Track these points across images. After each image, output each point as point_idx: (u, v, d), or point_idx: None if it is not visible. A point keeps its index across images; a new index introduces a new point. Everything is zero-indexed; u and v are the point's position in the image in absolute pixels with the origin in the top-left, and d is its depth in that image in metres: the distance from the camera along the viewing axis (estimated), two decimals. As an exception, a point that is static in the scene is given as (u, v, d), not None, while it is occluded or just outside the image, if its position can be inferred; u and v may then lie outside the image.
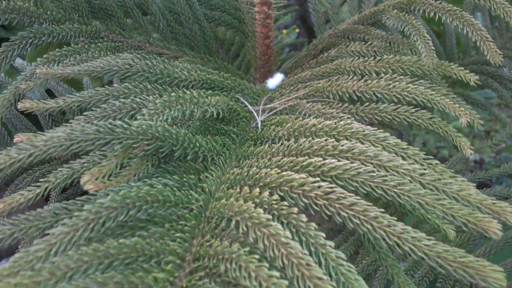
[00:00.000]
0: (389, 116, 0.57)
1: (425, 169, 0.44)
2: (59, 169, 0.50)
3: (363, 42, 0.72)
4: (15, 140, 0.49)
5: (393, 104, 0.57)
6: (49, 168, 0.77)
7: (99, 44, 0.69)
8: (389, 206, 0.82)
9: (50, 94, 0.89)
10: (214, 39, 0.85)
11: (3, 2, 0.63)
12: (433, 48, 0.60)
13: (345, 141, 0.46)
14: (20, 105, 0.52)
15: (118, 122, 0.40)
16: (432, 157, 0.47)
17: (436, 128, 0.56)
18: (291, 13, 1.48)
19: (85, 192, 0.41)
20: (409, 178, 0.43)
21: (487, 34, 0.60)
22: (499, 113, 1.92)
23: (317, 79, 0.67)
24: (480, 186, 1.81)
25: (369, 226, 0.38)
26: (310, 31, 1.67)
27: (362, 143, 0.48)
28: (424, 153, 0.47)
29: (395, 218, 0.38)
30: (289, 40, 1.17)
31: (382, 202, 0.80)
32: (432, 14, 0.66)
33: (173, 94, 0.50)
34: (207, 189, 0.44)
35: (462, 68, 0.59)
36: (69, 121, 0.54)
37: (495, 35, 1.17)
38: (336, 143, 0.46)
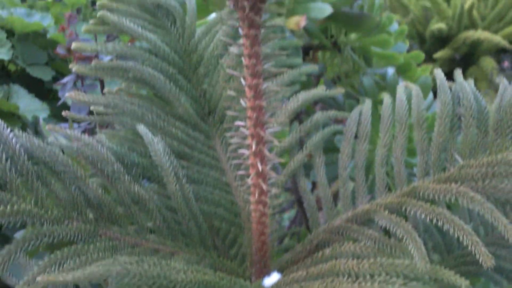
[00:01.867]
0: (385, 320, 0.63)
1: None
2: None
3: (357, 241, 0.79)
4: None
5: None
6: None
7: (97, 244, 0.75)
8: None
9: None
10: (209, 233, 0.92)
11: (8, 206, 0.69)
12: (425, 253, 0.67)
13: None
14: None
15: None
16: None
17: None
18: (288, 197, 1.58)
19: None
20: None
21: (477, 239, 0.67)
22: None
23: (312, 279, 0.72)
24: None
25: None
26: (306, 215, 1.76)
27: None
28: None
29: None
30: (287, 217, 1.25)
31: None
32: (423, 215, 0.74)
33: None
34: None
35: (453, 273, 0.65)
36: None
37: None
38: None
